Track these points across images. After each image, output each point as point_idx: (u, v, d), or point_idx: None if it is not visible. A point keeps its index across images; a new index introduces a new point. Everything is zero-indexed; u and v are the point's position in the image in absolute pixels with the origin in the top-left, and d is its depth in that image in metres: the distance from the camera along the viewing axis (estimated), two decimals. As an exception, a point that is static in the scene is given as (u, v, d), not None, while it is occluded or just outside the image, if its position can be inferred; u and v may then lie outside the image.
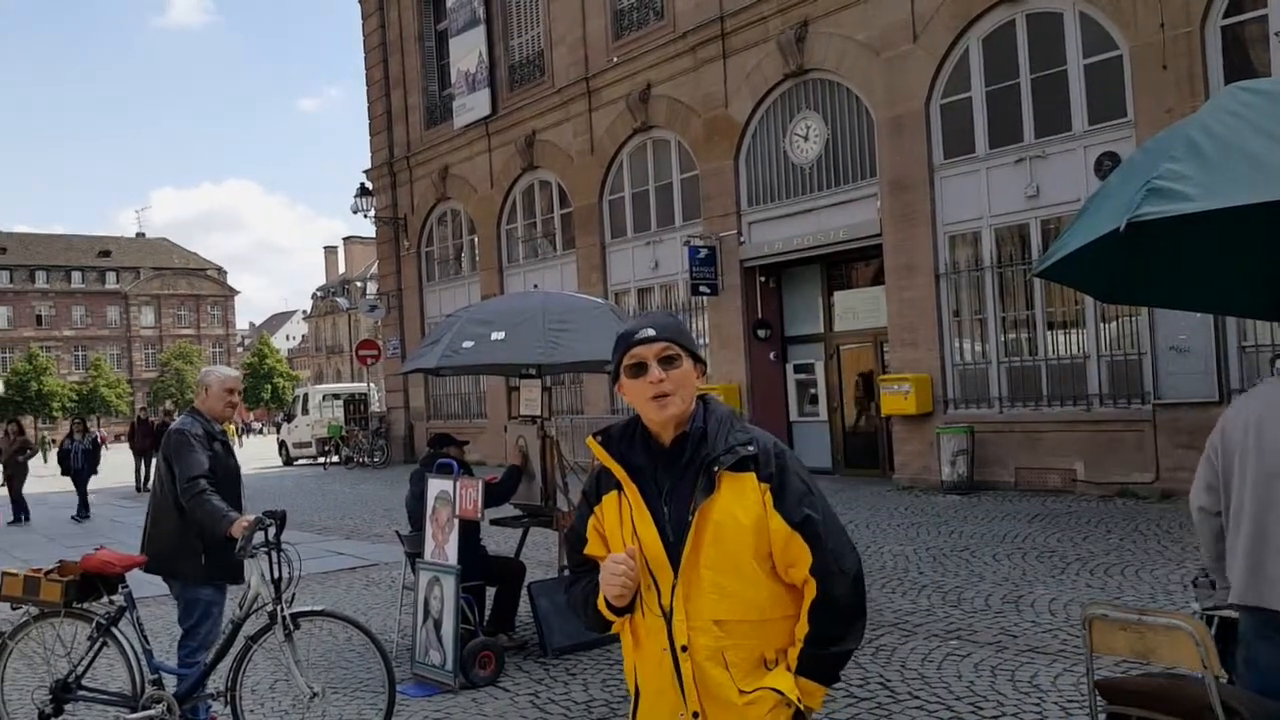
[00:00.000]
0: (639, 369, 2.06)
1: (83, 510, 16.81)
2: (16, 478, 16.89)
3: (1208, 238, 3.19)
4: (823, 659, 2.05)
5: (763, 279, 16.35)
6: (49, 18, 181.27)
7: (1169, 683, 3.09)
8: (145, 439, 21.37)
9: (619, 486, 2.10)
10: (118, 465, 26.90)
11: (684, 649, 2.01)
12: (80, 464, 17.05)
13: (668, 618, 2.02)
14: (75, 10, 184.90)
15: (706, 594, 2.00)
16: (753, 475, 2.03)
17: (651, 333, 2.08)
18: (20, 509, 16.53)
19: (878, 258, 14.50)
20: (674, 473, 2.06)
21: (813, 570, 2.02)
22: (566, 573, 6.83)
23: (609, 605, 2.07)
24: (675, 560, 2.01)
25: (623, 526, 2.08)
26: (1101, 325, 12.05)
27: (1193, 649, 2.80)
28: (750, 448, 2.05)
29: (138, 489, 21.23)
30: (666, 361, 2.06)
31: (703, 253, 16.25)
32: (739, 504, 2.01)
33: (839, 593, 2.04)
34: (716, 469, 2.01)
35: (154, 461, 5.25)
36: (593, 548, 2.19)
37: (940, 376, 13.38)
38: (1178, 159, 2.45)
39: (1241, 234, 3.18)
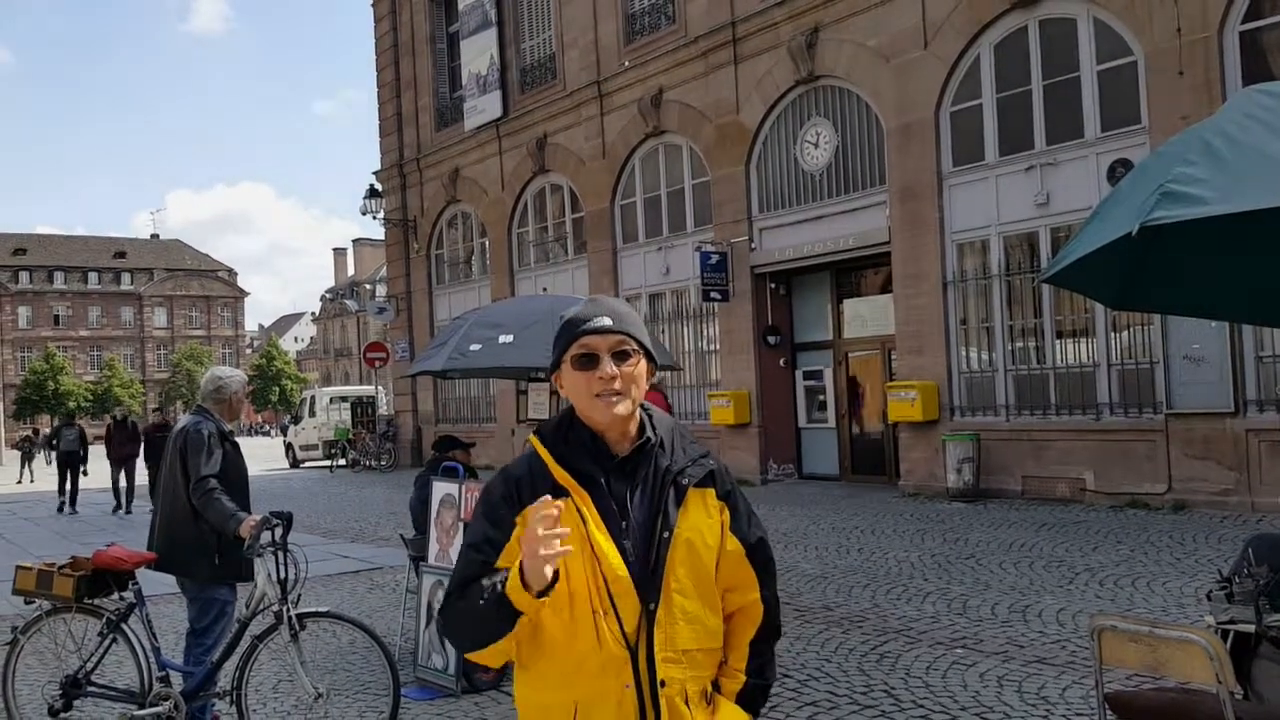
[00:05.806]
0: (587, 361, 1.83)
1: None
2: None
3: (1222, 242, 3.15)
4: (764, 690, 1.97)
5: (773, 285, 16.32)
6: (74, 23, 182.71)
7: (1182, 698, 3.05)
8: (125, 445, 17.15)
9: (558, 495, 1.80)
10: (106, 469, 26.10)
11: (663, 685, 1.80)
12: None
13: (634, 651, 1.79)
14: (101, 16, 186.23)
15: (678, 622, 1.82)
16: (713, 492, 1.90)
17: (607, 322, 1.84)
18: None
19: (887, 265, 14.45)
20: (631, 485, 1.85)
21: (764, 596, 1.95)
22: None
23: (525, 586, 1.67)
24: (643, 584, 1.79)
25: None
26: (1112, 334, 11.96)
27: (1206, 663, 2.76)
28: (710, 461, 1.90)
29: (117, 507, 16.87)
30: (620, 356, 1.83)
31: (714, 258, 16.23)
32: (705, 523, 1.87)
33: (778, 620, 1.99)
34: (686, 483, 1.85)
35: (162, 466, 5.20)
36: (507, 561, 1.80)
37: (946, 384, 13.32)
38: (1192, 162, 2.41)
39: (1258, 239, 3.14)
